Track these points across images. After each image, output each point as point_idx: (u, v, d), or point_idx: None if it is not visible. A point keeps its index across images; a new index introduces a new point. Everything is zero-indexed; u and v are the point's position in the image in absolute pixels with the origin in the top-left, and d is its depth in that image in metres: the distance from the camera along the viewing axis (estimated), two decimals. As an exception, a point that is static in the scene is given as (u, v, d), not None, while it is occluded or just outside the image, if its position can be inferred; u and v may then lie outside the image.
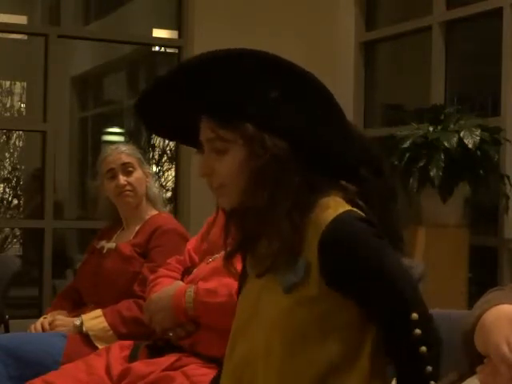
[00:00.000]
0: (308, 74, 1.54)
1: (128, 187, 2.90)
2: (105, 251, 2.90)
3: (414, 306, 1.50)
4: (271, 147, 1.51)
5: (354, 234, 1.51)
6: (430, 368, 1.48)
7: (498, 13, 4.21)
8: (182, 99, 1.59)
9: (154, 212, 2.97)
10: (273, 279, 1.55)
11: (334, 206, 1.53)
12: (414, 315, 1.48)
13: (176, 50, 5.47)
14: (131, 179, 2.91)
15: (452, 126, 3.97)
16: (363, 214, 1.55)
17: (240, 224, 1.62)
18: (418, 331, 1.48)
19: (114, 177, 2.91)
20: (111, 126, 8.60)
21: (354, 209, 1.56)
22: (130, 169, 2.92)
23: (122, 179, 2.90)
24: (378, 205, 1.62)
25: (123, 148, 2.96)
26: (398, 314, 1.50)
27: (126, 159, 2.92)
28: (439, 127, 4.00)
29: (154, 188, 3.00)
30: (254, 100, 1.52)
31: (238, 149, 1.54)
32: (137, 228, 2.93)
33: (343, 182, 1.61)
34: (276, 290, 1.54)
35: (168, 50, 6.38)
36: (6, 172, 7.34)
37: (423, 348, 1.48)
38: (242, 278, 1.71)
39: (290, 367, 1.52)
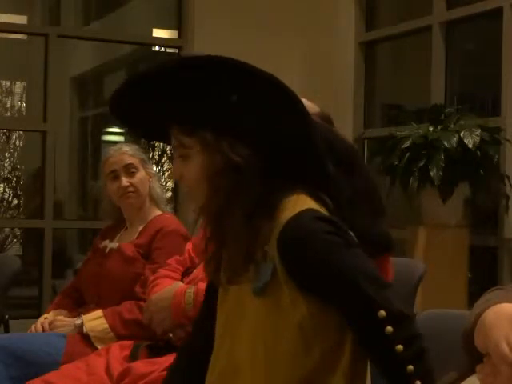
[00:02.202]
0: (268, 75, 1.50)
1: (130, 188, 2.89)
2: (107, 251, 2.90)
3: (379, 304, 1.47)
4: (228, 154, 1.52)
5: (309, 232, 1.50)
6: (411, 367, 1.46)
7: (498, 13, 4.21)
8: (151, 106, 1.60)
9: (158, 212, 2.97)
10: (247, 285, 1.55)
11: (294, 206, 1.53)
12: (382, 312, 1.46)
13: (176, 50, 5.48)
14: (134, 180, 2.91)
15: (452, 125, 3.97)
16: (324, 212, 1.54)
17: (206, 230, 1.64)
18: (389, 329, 1.46)
19: (117, 178, 2.90)
20: (111, 126, 8.59)
21: (316, 207, 1.54)
22: (133, 170, 2.91)
23: (125, 181, 2.89)
24: (348, 204, 1.60)
25: (126, 148, 2.95)
26: (364, 312, 1.48)
27: (128, 160, 2.92)
28: (439, 127, 4.00)
29: (158, 188, 2.99)
30: (214, 107, 1.52)
31: (198, 155, 1.56)
32: (140, 228, 2.92)
33: (308, 183, 1.59)
34: (251, 295, 1.54)
35: (168, 50, 6.38)
36: (6, 172, 7.33)
37: (399, 346, 1.46)
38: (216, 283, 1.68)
39: (275, 372, 1.52)
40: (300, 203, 1.53)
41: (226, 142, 1.52)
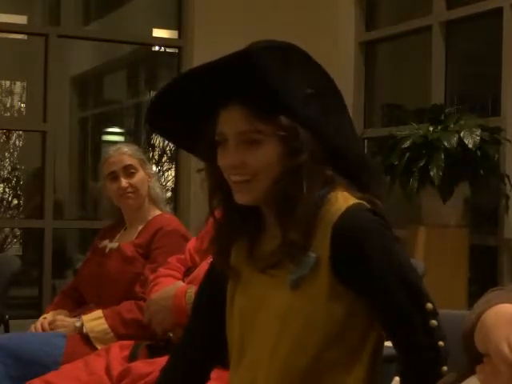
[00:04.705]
0: (331, 77, 1.57)
1: (130, 189, 2.89)
2: (107, 251, 2.90)
3: (427, 297, 1.48)
4: (307, 141, 1.50)
5: (366, 224, 1.49)
6: (445, 368, 1.45)
7: (498, 13, 4.22)
8: (207, 90, 1.54)
9: (157, 212, 2.97)
10: (279, 275, 1.52)
11: (343, 200, 1.52)
12: (429, 305, 1.47)
13: (176, 50, 5.48)
14: (133, 181, 2.90)
15: (452, 125, 3.97)
16: (369, 206, 1.53)
17: (254, 217, 1.59)
18: (434, 322, 1.46)
19: (116, 179, 2.90)
20: (111, 126, 8.60)
21: (362, 201, 1.54)
22: (132, 170, 2.91)
23: (124, 181, 2.89)
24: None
25: (125, 149, 2.95)
26: (415, 303, 1.47)
27: (127, 161, 2.91)
28: (439, 127, 4.00)
29: (157, 188, 2.99)
30: (293, 94, 1.50)
31: (275, 142, 1.51)
32: (139, 228, 2.92)
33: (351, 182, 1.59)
34: (283, 286, 1.51)
35: (168, 50, 6.38)
36: (5, 172, 7.33)
37: (441, 343, 1.45)
38: (232, 276, 1.64)
39: (293, 365, 1.51)
40: (347, 197, 1.53)
41: (300, 127, 1.50)
